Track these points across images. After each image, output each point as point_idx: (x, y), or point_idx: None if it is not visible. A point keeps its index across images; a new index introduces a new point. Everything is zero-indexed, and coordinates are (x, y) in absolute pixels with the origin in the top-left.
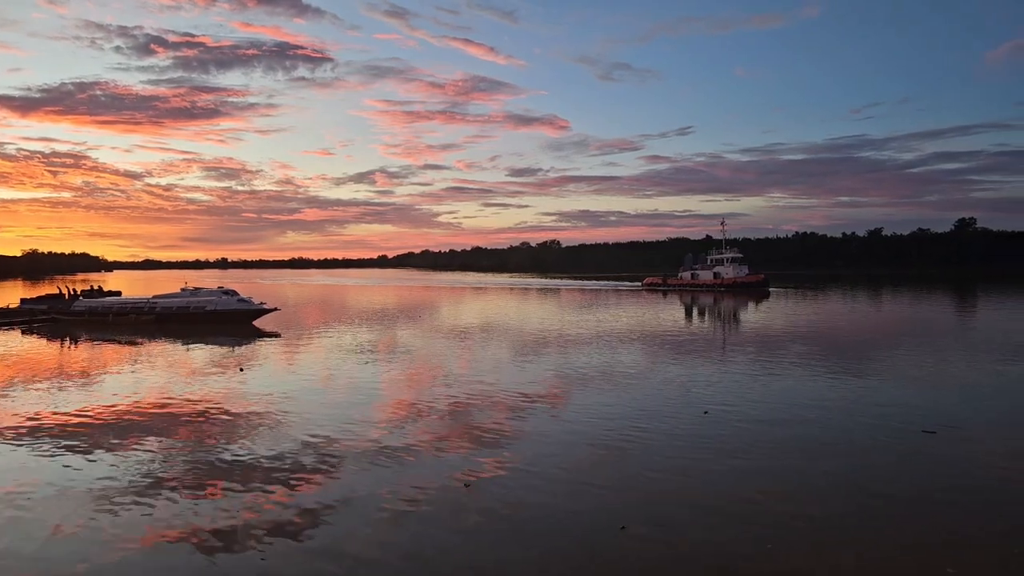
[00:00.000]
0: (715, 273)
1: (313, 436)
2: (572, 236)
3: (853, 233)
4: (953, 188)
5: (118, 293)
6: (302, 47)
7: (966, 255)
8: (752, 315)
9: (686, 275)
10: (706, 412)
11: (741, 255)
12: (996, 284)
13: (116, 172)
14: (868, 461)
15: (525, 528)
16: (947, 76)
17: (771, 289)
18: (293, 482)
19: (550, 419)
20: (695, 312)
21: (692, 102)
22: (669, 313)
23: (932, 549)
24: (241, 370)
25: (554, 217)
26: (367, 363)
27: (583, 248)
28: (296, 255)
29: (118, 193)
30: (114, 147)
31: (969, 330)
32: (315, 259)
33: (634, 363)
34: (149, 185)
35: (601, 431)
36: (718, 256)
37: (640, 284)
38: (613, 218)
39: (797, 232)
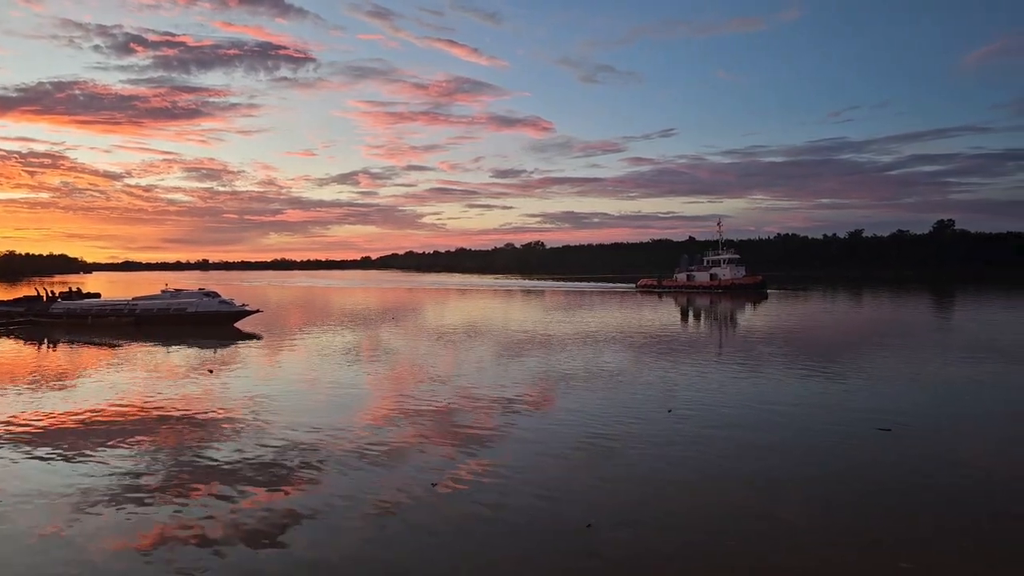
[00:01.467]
0: (712, 274)
1: (294, 439)
2: (556, 237)
3: (834, 235)
4: (931, 190)
5: (97, 295)
6: (284, 47)
7: (945, 257)
8: (748, 317)
9: (681, 276)
10: (670, 411)
11: (738, 256)
12: (973, 286)
13: (95, 172)
14: (824, 459)
15: (495, 528)
16: (925, 80)
17: (769, 291)
18: (274, 485)
19: (527, 421)
20: (691, 314)
21: (674, 104)
22: (663, 316)
23: (885, 545)
24: (210, 372)
25: (538, 218)
26: (349, 365)
27: (567, 249)
28: (279, 256)
29: (97, 194)
30: (93, 147)
31: (944, 331)
32: (298, 260)
33: (616, 366)
34: (129, 186)
35: (576, 432)
36: (715, 257)
37: (634, 286)
38: (596, 219)
39: (779, 234)
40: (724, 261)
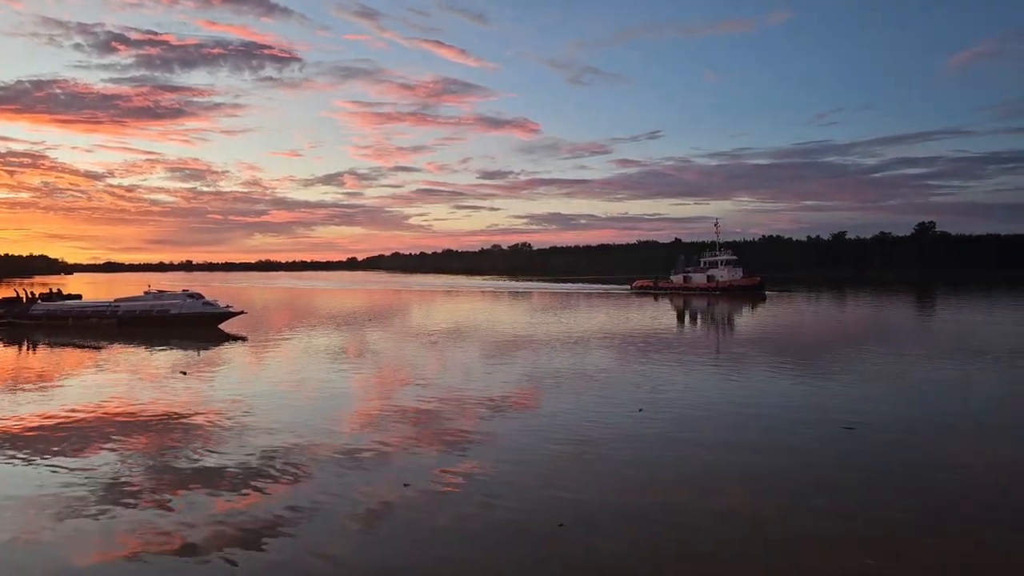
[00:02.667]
0: (709, 276)
1: (280, 441)
2: (543, 239)
3: (818, 237)
4: (914, 193)
5: (78, 296)
6: (269, 47)
7: (927, 258)
8: (744, 319)
9: (678, 278)
10: (640, 410)
11: (736, 257)
12: (955, 288)
13: (76, 172)
14: (792, 458)
15: (467, 528)
16: (908, 83)
17: (767, 292)
18: (259, 488)
19: (506, 423)
20: (686, 317)
21: (661, 106)
22: (656, 318)
23: (848, 542)
24: (183, 374)
25: (525, 220)
26: (335, 367)
27: (555, 251)
28: (263, 258)
29: (78, 194)
30: (74, 147)
31: (923, 333)
32: (283, 262)
33: (600, 368)
34: (111, 186)
35: (552, 434)
36: (712, 258)
37: (629, 288)
38: (583, 221)
39: (764, 235)
40: (722, 262)
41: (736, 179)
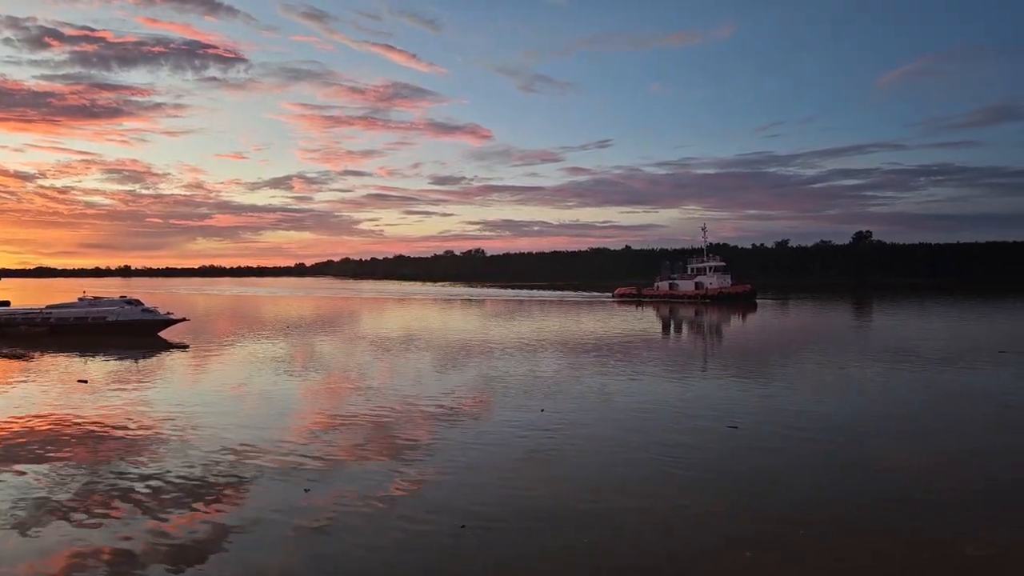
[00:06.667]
0: (697, 283)
1: (222, 452)
2: (496, 245)
3: (762, 244)
4: (851, 203)
5: (6, 303)
6: (214, 46)
7: (864, 266)
8: (735, 328)
9: (663, 285)
10: (543, 410)
11: (724, 263)
12: (889, 293)
13: (5, 173)
14: (676, 453)
15: (377, 530)
16: (845, 98)
17: (758, 301)
18: (201, 502)
19: (440, 432)
20: (672, 326)
21: (610, 116)
22: (651, 325)
23: (728, 536)
24: (83, 382)
25: (478, 226)
26: (281, 376)
27: (508, 257)
28: (207, 263)
29: (7, 195)
30: (3, 146)
31: (857, 337)
32: (228, 267)
33: (547, 374)
34: (42, 187)
35: (488, 438)
36: (700, 264)
37: (611, 295)
38: (536, 228)
39: (711, 243)
40: (710, 269)
41: (683, 188)
